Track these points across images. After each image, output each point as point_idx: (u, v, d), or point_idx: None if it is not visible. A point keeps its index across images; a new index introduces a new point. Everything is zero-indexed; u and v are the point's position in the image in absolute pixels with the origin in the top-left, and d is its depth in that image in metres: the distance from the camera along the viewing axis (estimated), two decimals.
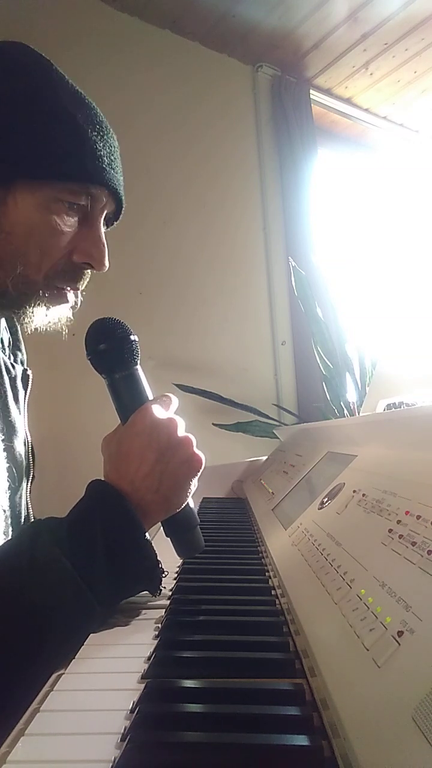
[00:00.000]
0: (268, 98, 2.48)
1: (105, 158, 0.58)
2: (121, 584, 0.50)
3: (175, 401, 0.61)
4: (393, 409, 1.62)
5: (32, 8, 1.83)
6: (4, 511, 0.60)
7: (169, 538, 0.59)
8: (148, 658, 0.42)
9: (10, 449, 0.67)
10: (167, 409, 0.59)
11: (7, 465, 0.64)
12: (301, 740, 0.30)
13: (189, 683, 0.37)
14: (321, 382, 2.05)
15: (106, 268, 0.60)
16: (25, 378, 0.75)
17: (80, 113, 0.56)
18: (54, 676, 0.40)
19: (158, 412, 0.56)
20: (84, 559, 0.47)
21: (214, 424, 1.93)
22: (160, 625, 0.49)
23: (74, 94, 0.57)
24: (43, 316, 0.61)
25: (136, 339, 0.58)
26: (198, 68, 2.27)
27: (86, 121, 0.56)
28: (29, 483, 0.72)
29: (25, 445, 0.72)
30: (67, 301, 0.62)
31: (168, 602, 0.54)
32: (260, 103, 2.44)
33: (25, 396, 0.75)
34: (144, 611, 0.53)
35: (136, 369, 0.58)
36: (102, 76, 1.94)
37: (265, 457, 1.44)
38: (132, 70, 2.05)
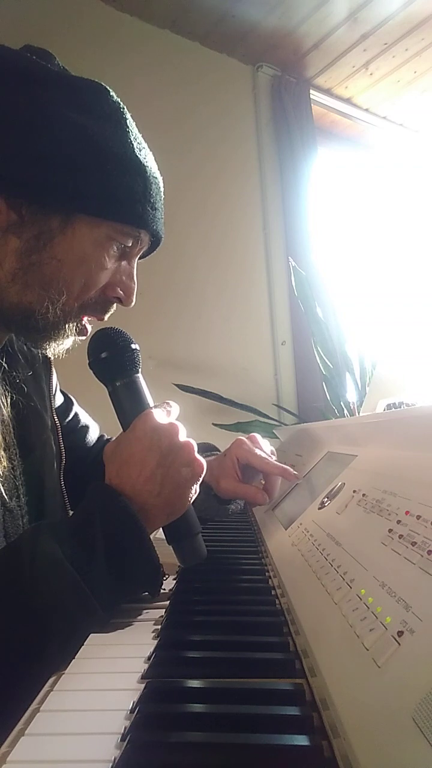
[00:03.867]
0: (268, 98, 2.48)
1: (158, 207, 0.61)
2: (123, 586, 0.50)
3: (176, 408, 0.61)
4: (393, 409, 1.62)
5: (32, 8, 1.83)
6: (10, 510, 0.60)
7: (171, 546, 0.59)
8: (148, 658, 0.42)
9: (30, 440, 0.66)
10: (169, 416, 0.59)
11: (21, 462, 0.64)
12: (301, 740, 0.30)
13: (189, 683, 0.37)
14: (321, 382, 2.05)
15: (132, 305, 0.64)
16: (46, 362, 0.76)
17: (146, 162, 0.59)
18: (54, 676, 0.40)
19: (159, 417, 0.57)
20: (85, 562, 0.47)
21: (214, 424, 1.93)
22: (159, 626, 0.49)
23: (142, 143, 0.60)
24: (67, 347, 0.64)
25: (138, 348, 0.60)
26: (198, 68, 2.27)
27: (151, 171, 0.60)
28: (60, 470, 0.72)
29: (52, 431, 0.71)
30: (86, 335, 0.64)
31: (168, 602, 0.54)
32: (260, 103, 2.44)
33: (48, 380, 0.74)
34: (144, 611, 0.53)
35: (138, 377, 0.59)
36: (102, 76, 1.93)
37: None
38: (132, 70, 2.05)
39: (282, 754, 0.29)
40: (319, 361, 1.96)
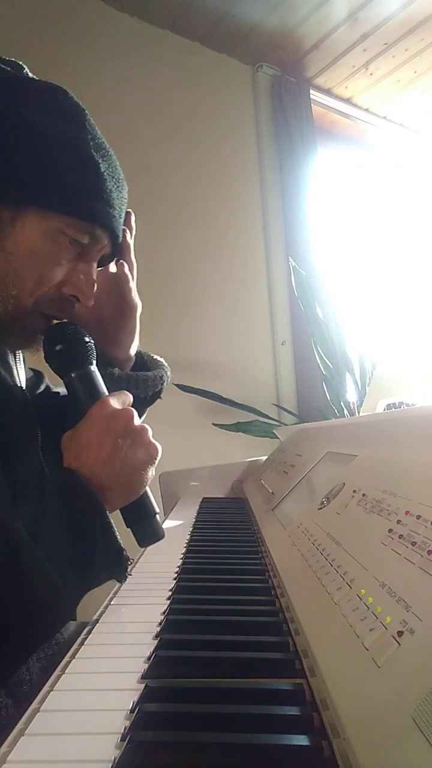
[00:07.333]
0: (268, 98, 2.48)
1: (116, 207, 0.63)
2: (87, 569, 0.50)
3: (129, 397, 0.63)
4: (393, 409, 1.62)
5: (33, 8, 1.83)
6: None
7: (129, 528, 0.60)
8: (148, 658, 0.42)
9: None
10: (123, 405, 0.60)
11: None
12: (301, 740, 0.30)
13: (189, 683, 0.37)
14: (321, 382, 2.05)
15: (91, 305, 0.64)
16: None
17: (104, 162, 0.61)
18: (54, 676, 0.40)
19: (115, 403, 0.58)
20: (52, 545, 0.47)
21: (214, 424, 1.93)
22: (159, 626, 0.49)
23: (101, 144, 0.62)
24: (34, 347, 0.64)
25: (91, 341, 0.62)
26: (198, 68, 2.27)
27: (107, 170, 0.61)
28: (38, 445, 0.69)
29: (25, 405, 0.69)
30: None
31: (168, 602, 0.54)
32: (260, 103, 2.44)
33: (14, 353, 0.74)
34: (144, 611, 0.53)
35: (92, 368, 0.61)
36: (102, 76, 1.94)
37: (265, 457, 1.44)
38: (132, 70, 2.05)
39: (282, 754, 0.29)
40: (319, 361, 1.96)
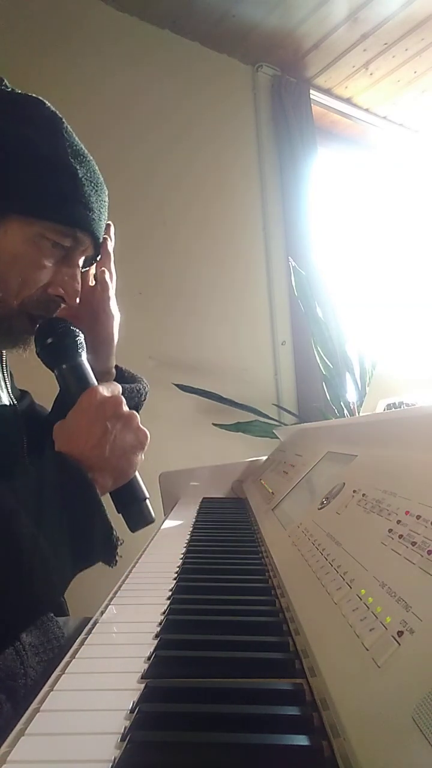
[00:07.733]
0: (268, 98, 2.48)
1: (95, 210, 0.65)
2: (78, 546, 0.51)
3: (118, 386, 0.64)
4: (393, 409, 1.62)
5: (32, 8, 1.83)
6: None
7: (120, 513, 0.61)
8: (148, 658, 0.42)
9: None
10: (112, 393, 0.62)
11: None
12: (301, 740, 0.30)
13: (189, 683, 0.37)
14: (321, 382, 2.05)
15: (76, 304, 0.67)
16: None
17: (81, 168, 0.63)
18: (54, 676, 0.40)
19: (104, 391, 0.60)
20: (43, 522, 0.48)
21: (214, 424, 1.93)
22: (159, 626, 0.49)
23: (79, 151, 0.64)
24: (23, 345, 0.66)
25: (80, 334, 0.64)
26: (198, 68, 2.27)
27: (85, 175, 0.64)
28: (24, 450, 0.72)
29: (12, 412, 0.72)
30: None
31: (168, 602, 0.54)
32: (260, 103, 2.44)
33: (1, 359, 0.75)
34: (144, 611, 0.53)
35: (81, 360, 0.63)
36: (101, 76, 1.94)
37: (265, 457, 1.44)
38: (131, 70, 2.05)
39: (282, 754, 0.29)
40: (319, 361, 1.96)
